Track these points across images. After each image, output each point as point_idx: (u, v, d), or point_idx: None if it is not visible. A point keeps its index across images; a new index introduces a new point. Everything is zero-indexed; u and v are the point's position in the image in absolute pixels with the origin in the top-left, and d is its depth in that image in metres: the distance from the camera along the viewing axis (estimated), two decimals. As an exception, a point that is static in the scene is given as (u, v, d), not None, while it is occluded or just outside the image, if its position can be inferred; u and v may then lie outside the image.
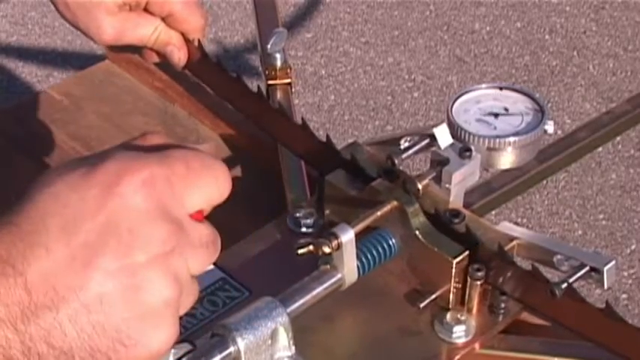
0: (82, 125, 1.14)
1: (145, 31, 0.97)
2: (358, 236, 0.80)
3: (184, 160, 0.60)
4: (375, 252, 0.83)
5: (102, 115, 1.15)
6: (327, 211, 0.92)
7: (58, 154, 1.10)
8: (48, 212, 0.57)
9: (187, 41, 0.99)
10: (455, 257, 0.83)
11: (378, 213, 0.84)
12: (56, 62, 2.82)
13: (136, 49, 1.02)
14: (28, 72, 2.79)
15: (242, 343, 0.69)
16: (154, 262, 0.57)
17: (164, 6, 0.96)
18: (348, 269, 0.79)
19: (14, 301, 0.55)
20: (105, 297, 0.56)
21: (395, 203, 0.84)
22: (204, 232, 0.61)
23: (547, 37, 2.97)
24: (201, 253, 0.60)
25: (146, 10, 0.96)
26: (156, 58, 1.01)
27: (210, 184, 0.61)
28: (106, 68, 1.20)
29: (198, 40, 1.00)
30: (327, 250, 0.78)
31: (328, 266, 0.80)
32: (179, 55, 0.99)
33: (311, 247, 0.78)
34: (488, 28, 3.00)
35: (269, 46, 1.07)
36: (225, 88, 1.04)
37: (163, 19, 0.97)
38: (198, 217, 0.61)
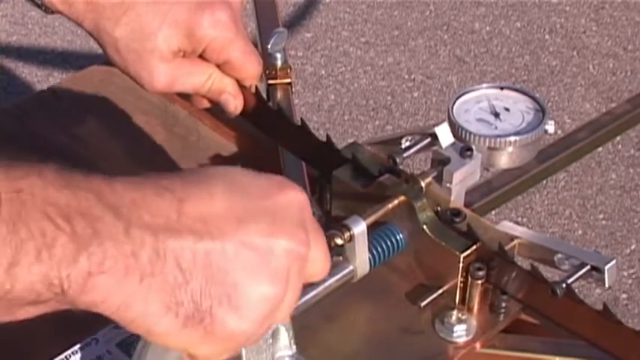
0: (82, 125, 1.14)
1: (199, 79, 0.92)
2: (368, 230, 0.80)
3: (317, 223, 0.65)
4: (384, 245, 0.84)
5: (102, 115, 1.15)
6: (333, 207, 0.92)
7: (58, 154, 1.10)
8: (218, 176, 0.62)
9: (242, 87, 0.94)
10: (462, 251, 0.83)
11: (387, 207, 0.84)
12: (56, 62, 2.82)
13: (186, 95, 0.98)
14: (28, 72, 2.79)
15: (243, 342, 0.69)
16: (289, 254, 0.61)
17: (221, 53, 0.90)
18: (360, 261, 0.80)
19: (163, 214, 0.58)
20: (241, 253, 0.59)
21: (402, 198, 0.85)
22: (301, 282, 0.64)
23: (547, 37, 2.97)
24: (295, 296, 0.63)
25: (201, 56, 0.91)
26: (206, 104, 0.96)
27: (324, 254, 0.65)
28: (106, 68, 1.20)
29: (256, 87, 0.96)
30: (339, 241, 0.78)
31: (340, 258, 0.80)
32: (235, 104, 0.95)
33: None
34: (488, 28, 3.00)
35: (269, 46, 1.07)
36: (288, 134, 0.99)
37: (218, 66, 0.92)
38: None
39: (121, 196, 0.57)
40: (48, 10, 0.91)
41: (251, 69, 0.93)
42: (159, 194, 0.59)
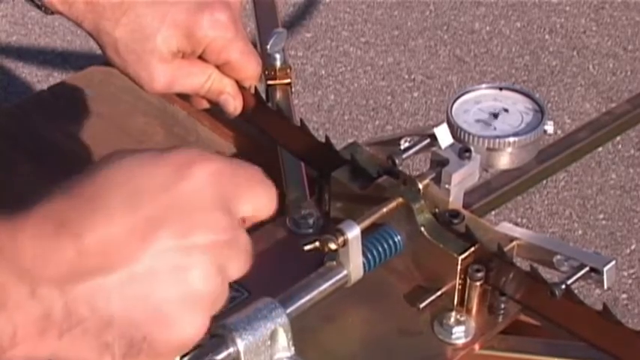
0: (82, 125, 1.14)
1: (198, 79, 0.91)
2: (364, 233, 0.80)
3: (245, 168, 0.63)
4: (380, 248, 0.83)
5: (102, 115, 1.15)
6: (332, 208, 0.92)
7: (58, 154, 1.10)
8: (114, 182, 0.58)
9: (241, 88, 0.94)
10: (460, 254, 0.83)
11: (384, 209, 0.84)
12: (56, 62, 2.82)
13: (185, 96, 0.97)
14: (28, 72, 2.79)
15: (241, 343, 0.69)
16: (209, 247, 0.58)
17: (221, 54, 0.90)
18: (354, 266, 0.80)
19: (65, 260, 0.55)
20: (155, 272, 0.57)
21: (400, 200, 0.85)
22: (247, 239, 0.62)
23: (547, 37, 2.97)
24: (243, 258, 0.61)
25: (201, 57, 0.91)
26: (205, 105, 0.95)
27: (262, 196, 0.63)
28: (106, 69, 1.20)
29: (255, 88, 0.95)
30: (333, 246, 0.78)
31: (334, 263, 0.80)
32: (234, 105, 0.94)
33: (317, 244, 0.79)
34: (488, 28, 3.00)
35: (269, 46, 1.07)
36: (287, 135, 0.99)
37: (218, 67, 0.92)
38: (242, 224, 0.62)
39: (22, 251, 0.55)
40: (47, 10, 0.91)
41: (250, 69, 0.92)
42: (57, 235, 0.56)
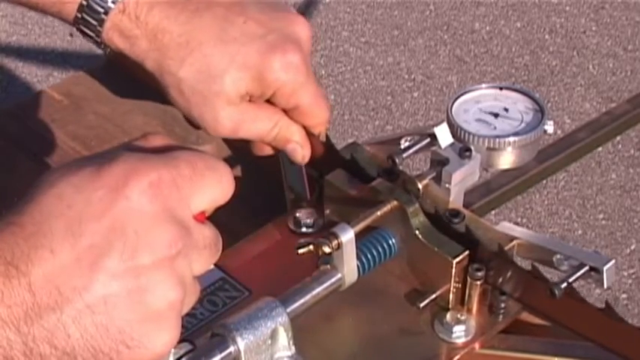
0: (82, 125, 1.14)
1: (265, 126, 0.85)
2: (358, 236, 0.80)
3: (189, 162, 0.61)
4: (375, 252, 0.83)
5: (102, 115, 1.15)
6: (327, 211, 0.92)
7: (58, 154, 1.10)
8: (52, 213, 0.57)
9: (310, 135, 0.88)
10: (455, 257, 0.83)
11: (378, 213, 0.84)
12: (56, 62, 2.82)
13: (247, 141, 0.90)
14: (28, 72, 2.79)
15: (242, 342, 0.69)
16: (159, 264, 0.57)
17: (291, 98, 0.84)
18: (348, 269, 0.80)
19: (17, 302, 0.55)
20: (109, 298, 0.56)
21: (395, 203, 0.85)
22: (207, 233, 0.61)
23: (547, 37, 2.97)
24: (205, 254, 0.61)
25: (269, 101, 0.85)
26: (269, 151, 0.89)
27: (214, 185, 0.62)
28: (106, 68, 1.20)
29: (327, 136, 0.90)
30: (327, 249, 0.78)
31: (328, 266, 0.80)
32: (302, 154, 0.88)
33: (311, 247, 0.79)
34: (488, 28, 3.00)
35: (269, 46, 1.06)
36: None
37: (286, 112, 0.86)
38: (201, 218, 0.61)
39: None
40: (107, 48, 0.85)
41: (321, 115, 0.87)
42: (7, 275, 0.55)
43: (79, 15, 0.83)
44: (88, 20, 0.83)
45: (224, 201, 0.62)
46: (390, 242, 0.84)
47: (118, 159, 0.59)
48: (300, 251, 0.79)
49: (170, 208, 0.58)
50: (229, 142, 1.11)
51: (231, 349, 0.69)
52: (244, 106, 0.84)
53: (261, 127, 0.85)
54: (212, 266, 0.62)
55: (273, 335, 0.70)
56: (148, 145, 0.63)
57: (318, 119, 0.87)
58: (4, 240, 0.56)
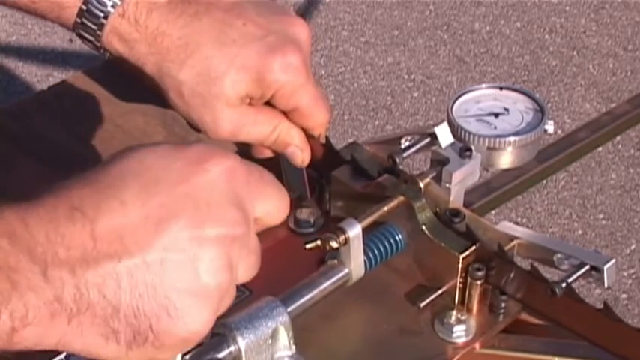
0: (82, 125, 1.14)
1: (264, 129, 0.85)
2: (365, 231, 0.80)
3: (259, 169, 0.63)
4: (382, 247, 0.83)
5: (102, 115, 1.15)
6: (332, 207, 0.92)
7: (58, 154, 1.10)
8: (130, 171, 0.59)
9: (309, 137, 0.88)
10: (461, 252, 0.83)
11: (385, 208, 0.84)
12: (56, 62, 2.83)
13: (247, 144, 0.89)
14: (28, 72, 2.79)
15: (243, 342, 0.69)
16: (221, 241, 0.59)
17: (290, 99, 0.84)
18: (356, 264, 0.80)
19: (77, 244, 0.56)
20: (166, 260, 0.57)
21: (401, 198, 0.85)
22: (257, 242, 0.63)
23: (547, 37, 2.97)
24: (252, 259, 0.62)
25: (269, 103, 0.85)
26: (268, 154, 0.89)
27: (274, 199, 0.64)
28: (106, 68, 1.20)
29: (326, 137, 0.90)
30: (334, 244, 0.78)
31: (336, 261, 0.80)
32: (302, 157, 0.88)
33: (318, 242, 0.79)
34: (488, 28, 3.00)
35: (269, 46, 1.07)
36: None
37: (286, 114, 0.86)
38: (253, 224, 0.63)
39: (34, 235, 0.56)
40: (106, 52, 0.86)
41: (320, 117, 0.87)
42: (71, 219, 0.56)
43: (79, 20, 0.83)
44: (88, 25, 0.83)
45: (276, 221, 0.64)
46: (397, 237, 0.84)
47: (198, 143, 0.62)
48: (308, 246, 0.79)
49: (240, 196, 0.60)
50: (229, 143, 1.11)
51: (232, 348, 0.69)
52: (244, 108, 0.84)
53: (261, 130, 0.85)
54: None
55: (274, 335, 0.70)
56: None
57: (318, 121, 0.87)
58: (75, 188, 0.58)
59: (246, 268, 0.62)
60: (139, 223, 0.57)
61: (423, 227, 0.84)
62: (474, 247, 0.83)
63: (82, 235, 0.56)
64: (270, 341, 0.70)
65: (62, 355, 0.82)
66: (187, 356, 0.67)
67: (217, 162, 0.60)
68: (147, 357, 0.58)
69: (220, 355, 0.69)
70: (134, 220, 0.57)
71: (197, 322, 0.59)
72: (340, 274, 0.79)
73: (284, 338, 0.71)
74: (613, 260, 0.81)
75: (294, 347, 0.71)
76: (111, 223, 0.57)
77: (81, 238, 0.56)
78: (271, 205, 0.63)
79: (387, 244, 0.84)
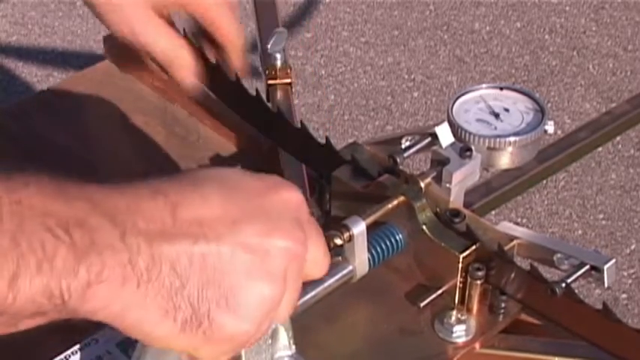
0: (82, 125, 1.14)
1: (165, 43, 0.94)
2: (367, 230, 0.80)
3: (317, 228, 0.65)
4: (384, 245, 0.84)
5: (102, 115, 1.15)
6: (333, 207, 0.92)
7: (58, 154, 1.10)
8: (211, 178, 0.62)
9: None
10: (462, 252, 0.83)
11: (386, 208, 0.84)
12: (56, 62, 2.83)
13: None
14: (28, 72, 2.79)
15: (242, 342, 0.69)
16: (285, 253, 0.61)
17: (200, 6, 0.93)
18: (360, 261, 0.80)
19: (157, 219, 0.58)
20: (237, 255, 0.59)
21: (402, 198, 0.85)
22: (300, 280, 0.64)
23: (547, 37, 2.97)
24: (295, 292, 0.64)
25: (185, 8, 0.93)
26: (156, 69, 0.96)
27: (322, 252, 0.66)
28: (106, 68, 1.20)
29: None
30: (338, 241, 0.78)
31: (340, 258, 0.80)
32: (192, 82, 0.97)
33: None
34: (488, 28, 3.00)
35: (269, 46, 1.07)
36: (287, 137, 1.00)
37: (199, 24, 0.94)
38: None
39: (115, 203, 0.58)
40: None
41: (232, 30, 0.94)
42: (153, 198, 0.59)
43: None
44: None
45: (314, 275, 0.66)
46: (398, 237, 0.85)
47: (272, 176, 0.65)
48: None
49: (303, 227, 0.63)
50: (230, 143, 1.11)
51: (232, 348, 0.69)
52: (152, 13, 0.91)
53: (161, 43, 0.93)
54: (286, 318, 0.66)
55: (274, 335, 0.70)
56: None
57: (230, 35, 0.95)
58: (157, 182, 0.60)
59: (290, 302, 0.63)
60: (218, 216, 0.60)
61: (424, 227, 0.84)
62: (474, 247, 0.83)
63: (162, 213, 0.58)
64: (270, 341, 0.70)
65: (62, 356, 0.82)
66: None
67: (290, 191, 0.64)
68: (193, 346, 0.60)
69: (220, 355, 0.69)
70: (214, 213, 0.60)
71: (248, 322, 0.60)
72: (344, 271, 0.79)
73: (284, 338, 0.71)
74: (613, 260, 0.81)
75: (294, 347, 0.71)
76: (191, 209, 0.59)
77: (161, 215, 0.58)
78: (319, 254, 0.65)
79: (387, 244, 0.84)
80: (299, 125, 0.96)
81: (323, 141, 0.94)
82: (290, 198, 0.63)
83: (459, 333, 0.84)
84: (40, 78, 2.76)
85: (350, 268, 0.80)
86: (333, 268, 0.80)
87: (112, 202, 0.58)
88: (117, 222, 0.57)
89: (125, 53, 1.20)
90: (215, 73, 1.02)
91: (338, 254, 0.80)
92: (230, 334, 0.60)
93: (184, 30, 0.99)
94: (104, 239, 0.56)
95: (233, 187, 0.62)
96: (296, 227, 0.62)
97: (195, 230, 0.59)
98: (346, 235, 0.78)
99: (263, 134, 1.03)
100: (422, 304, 0.85)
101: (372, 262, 0.82)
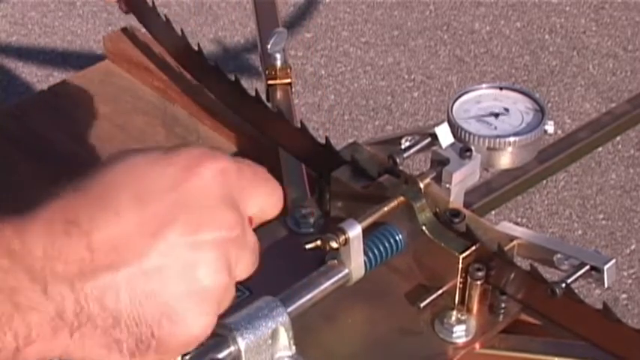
0: (82, 125, 1.14)
1: None
2: (365, 232, 0.80)
3: (252, 168, 0.63)
4: (381, 247, 0.83)
5: (102, 115, 1.15)
6: (332, 208, 0.92)
7: (58, 154, 1.10)
8: (122, 181, 0.58)
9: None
10: (461, 252, 0.83)
11: (385, 208, 0.84)
12: (56, 62, 2.82)
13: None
14: (28, 72, 2.79)
15: (242, 342, 0.69)
16: (217, 244, 0.58)
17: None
18: (356, 264, 0.80)
19: (75, 258, 0.56)
20: (165, 268, 0.57)
21: (401, 199, 0.85)
22: (254, 239, 0.62)
23: (547, 37, 2.97)
24: (250, 257, 0.62)
25: None
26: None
27: (269, 195, 0.63)
28: (106, 68, 1.21)
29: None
30: (334, 245, 0.78)
31: (336, 261, 0.80)
32: None
33: (318, 242, 0.79)
34: (488, 28, 3.00)
35: (269, 46, 1.07)
36: (288, 136, 0.98)
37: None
38: (250, 222, 0.63)
39: (32, 251, 0.55)
40: None
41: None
42: (67, 233, 0.56)
43: None
44: None
45: (272, 215, 0.64)
46: (397, 238, 0.84)
47: (189, 146, 0.61)
48: (308, 246, 0.79)
49: (233, 197, 0.60)
50: (230, 142, 1.11)
51: (232, 348, 0.69)
52: None
53: None
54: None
55: (274, 335, 0.70)
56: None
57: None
58: (69, 201, 0.57)
59: (245, 267, 0.62)
60: (135, 232, 0.57)
61: (423, 227, 0.84)
62: (474, 248, 0.83)
63: (78, 249, 0.56)
64: (270, 342, 0.70)
65: None
66: (187, 357, 0.67)
67: (208, 165, 0.60)
68: None
69: (220, 355, 0.69)
70: (129, 230, 0.57)
71: (199, 325, 0.59)
72: (340, 275, 0.79)
73: (284, 339, 0.71)
74: (613, 260, 0.81)
75: (294, 348, 0.71)
76: (106, 234, 0.56)
77: (78, 252, 0.56)
78: (265, 201, 0.63)
79: (386, 245, 0.84)
80: (299, 125, 0.96)
81: (323, 141, 0.94)
82: (208, 175, 0.59)
83: (459, 333, 0.84)
84: (40, 78, 2.76)
85: (346, 271, 0.80)
86: (328, 272, 0.80)
87: (28, 250, 0.55)
88: (36, 275, 0.55)
89: (125, 53, 1.20)
90: (216, 74, 1.02)
91: (334, 257, 0.80)
92: (184, 342, 0.59)
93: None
94: (27, 300, 0.55)
95: (146, 187, 0.58)
96: (222, 210, 0.59)
97: (114, 258, 0.56)
98: (342, 238, 0.78)
99: (262, 134, 1.03)
100: (422, 305, 0.85)
101: (368, 265, 0.82)
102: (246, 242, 0.61)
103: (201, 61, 1.01)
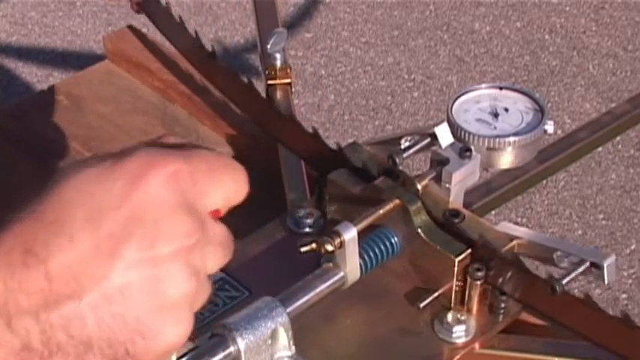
0: (82, 125, 1.14)
1: None
2: (361, 234, 0.80)
3: (206, 159, 0.61)
4: (377, 250, 0.83)
5: (102, 115, 1.15)
6: (329, 210, 0.92)
7: (58, 154, 1.10)
8: (72, 202, 0.57)
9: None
10: (457, 255, 0.83)
11: (381, 211, 0.84)
12: (56, 62, 2.82)
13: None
14: (28, 72, 2.79)
15: (242, 342, 0.69)
16: (177, 254, 0.57)
17: None
18: (351, 267, 0.80)
19: (36, 290, 0.55)
20: (127, 288, 0.56)
21: (397, 201, 0.85)
22: (221, 231, 0.61)
23: (547, 37, 2.97)
24: (219, 251, 0.60)
25: None
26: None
27: (229, 183, 0.61)
28: (106, 68, 1.21)
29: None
30: (329, 248, 0.78)
31: (331, 264, 0.80)
32: None
33: (314, 245, 0.79)
34: (488, 28, 3.00)
35: (269, 46, 1.07)
36: (287, 136, 0.98)
37: None
38: (215, 215, 0.61)
39: None
40: None
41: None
42: (25, 264, 0.55)
43: None
44: None
45: (238, 200, 0.62)
46: (393, 241, 0.84)
47: (136, 152, 0.59)
48: (303, 250, 0.79)
49: (187, 200, 0.58)
50: (229, 142, 1.11)
51: (232, 349, 0.69)
52: None
53: None
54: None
55: (274, 335, 0.70)
56: (166, 142, 0.62)
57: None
58: (25, 228, 0.56)
59: (215, 262, 0.60)
60: (91, 256, 0.56)
61: (419, 230, 0.84)
62: (469, 251, 0.83)
63: (37, 279, 0.55)
64: (269, 342, 0.70)
65: None
66: (185, 358, 0.67)
67: (157, 172, 0.58)
68: None
69: (219, 356, 0.69)
70: (85, 255, 0.56)
71: (175, 334, 0.58)
72: (335, 278, 0.79)
73: (284, 339, 0.71)
74: (613, 256, 0.81)
75: (293, 348, 0.71)
76: (63, 261, 0.55)
77: (37, 283, 0.55)
78: (227, 189, 0.61)
79: (382, 248, 0.84)
80: (311, 130, 0.96)
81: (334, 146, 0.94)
82: (158, 183, 0.57)
83: (459, 333, 0.84)
84: (40, 78, 2.76)
85: (341, 274, 0.79)
86: (324, 275, 0.80)
87: None
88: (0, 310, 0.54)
89: (125, 53, 1.20)
90: (225, 72, 1.01)
91: (329, 260, 0.80)
92: (162, 352, 0.58)
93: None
94: None
95: (97, 206, 0.56)
96: (177, 216, 0.58)
97: (74, 287, 0.55)
98: (337, 241, 0.78)
99: (274, 139, 1.02)
100: (421, 305, 0.85)
101: (363, 268, 0.82)
102: (210, 240, 0.60)
103: (214, 62, 1.01)
